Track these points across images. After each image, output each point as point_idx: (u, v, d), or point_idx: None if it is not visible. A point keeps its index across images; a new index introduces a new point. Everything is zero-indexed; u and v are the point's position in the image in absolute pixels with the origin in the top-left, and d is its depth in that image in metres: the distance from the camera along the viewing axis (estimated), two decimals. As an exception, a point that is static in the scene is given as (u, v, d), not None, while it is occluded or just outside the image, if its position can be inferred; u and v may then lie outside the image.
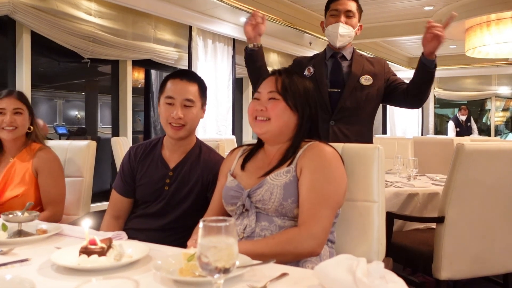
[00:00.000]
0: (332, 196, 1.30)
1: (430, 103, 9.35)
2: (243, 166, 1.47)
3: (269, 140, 1.44)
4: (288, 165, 1.36)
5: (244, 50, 2.27)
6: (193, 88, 1.70)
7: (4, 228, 1.37)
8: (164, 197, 1.70)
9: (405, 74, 8.85)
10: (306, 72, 2.38)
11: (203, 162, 1.74)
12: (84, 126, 12.03)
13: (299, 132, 1.42)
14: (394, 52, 8.11)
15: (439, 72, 8.92)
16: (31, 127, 2.08)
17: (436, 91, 9.39)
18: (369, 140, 2.44)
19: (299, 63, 2.48)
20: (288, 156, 1.38)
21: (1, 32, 3.63)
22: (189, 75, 1.73)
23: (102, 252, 1.09)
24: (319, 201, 1.28)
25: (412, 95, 2.31)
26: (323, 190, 1.29)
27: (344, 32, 2.34)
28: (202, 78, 1.78)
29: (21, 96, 2.06)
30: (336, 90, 2.35)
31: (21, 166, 2.02)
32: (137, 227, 1.71)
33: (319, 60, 2.45)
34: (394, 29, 6.38)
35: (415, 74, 2.25)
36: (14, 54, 3.58)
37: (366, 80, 2.34)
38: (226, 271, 0.81)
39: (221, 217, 0.86)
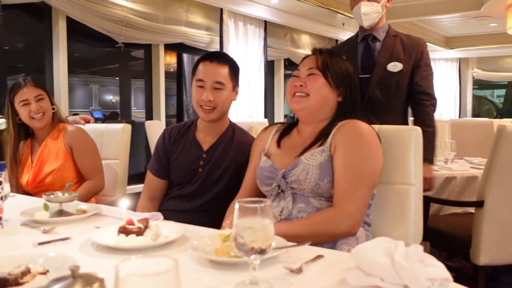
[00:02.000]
0: (368, 174, 1.27)
1: (468, 84, 9.01)
2: (279, 144, 1.45)
3: (306, 117, 1.41)
4: (322, 143, 1.33)
5: None
6: (224, 70, 1.68)
7: (46, 208, 1.42)
8: (198, 179, 1.72)
9: (443, 54, 8.57)
10: None
11: (236, 144, 1.74)
12: (116, 111, 12.29)
13: (339, 112, 1.39)
14: (430, 32, 7.82)
15: (478, 52, 8.58)
16: (54, 107, 2.15)
17: (474, 72, 9.03)
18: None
19: (336, 50, 2.41)
20: (323, 134, 1.36)
21: (38, 19, 3.71)
22: (219, 57, 1.71)
23: (139, 232, 1.11)
24: (354, 179, 1.25)
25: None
26: (359, 168, 1.26)
27: (367, 10, 2.22)
28: (233, 59, 1.76)
29: (36, 82, 2.11)
30: (366, 76, 2.25)
31: (53, 144, 2.11)
32: (172, 208, 1.73)
33: (351, 45, 2.36)
34: (430, 7, 6.13)
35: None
36: (51, 40, 3.67)
37: (394, 66, 2.22)
38: (262, 252, 0.81)
39: (256, 198, 0.86)
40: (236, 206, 0.83)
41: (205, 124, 1.75)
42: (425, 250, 0.88)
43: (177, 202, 1.75)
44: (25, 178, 2.08)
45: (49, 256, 0.96)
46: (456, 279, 0.85)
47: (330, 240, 1.25)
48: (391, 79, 2.21)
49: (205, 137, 1.76)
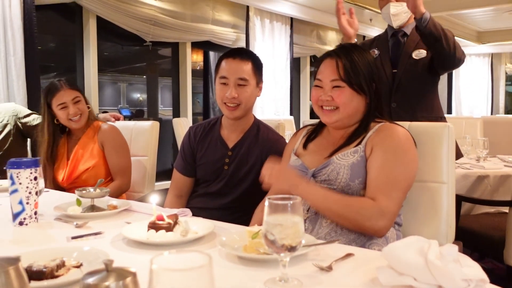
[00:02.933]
0: (402, 179, 1.25)
1: (501, 80, 8.71)
2: (305, 146, 1.44)
3: (339, 127, 1.39)
4: (357, 145, 1.32)
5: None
6: (247, 67, 1.67)
7: (79, 203, 1.45)
8: (224, 176, 1.72)
9: (474, 49, 8.32)
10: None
11: (262, 141, 1.73)
12: (141, 108, 12.45)
13: (369, 112, 1.36)
14: (461, 27, 7.61)
15: (510, 47, 8.30)
16: (89, 106, 2.20)
17: (508, 67, 8.74)
18: (439, 113, 2.33)
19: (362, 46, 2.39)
20: (356, 136, 1.34)
21: (69, 18, 3.80)
22: (242, 53, 1.69)
23: (169, 228, 1.13)
24: (389, 183, 1.23)
25: (435, 58, 2.17)
26: (394, 172, 1.24)
27: (396, 11, 2.23)
28: (256, 54, 1.74)
29: (71, 84, 2.16)
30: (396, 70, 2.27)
31: (88, 143, 2.15)
32: (199, 206, 1.74)
33: (382, 40, 2.36)
34: (462, 1, 5.96)
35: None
36: (82, 40, 3.75)
37: (418, 54, 2.23)
38: (292, 249, 0.81)
39: (286, 195, 0.86)
40: (266, 203, 0.83)
41: (229, 121, 1.74)
42: (458, 250, 0.85)
43: (204, 199, 1.75)
44: (61, 175, 2.14)
45: (83, 250, 0.98)
46: (490, 280, 0.82)
47: (354, 227, 1.23)
48: (416, 66, 2.23)
49: (230, 135, 1.76)
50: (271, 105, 5.23)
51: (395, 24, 2.26)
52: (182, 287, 0.49)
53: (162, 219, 1.15)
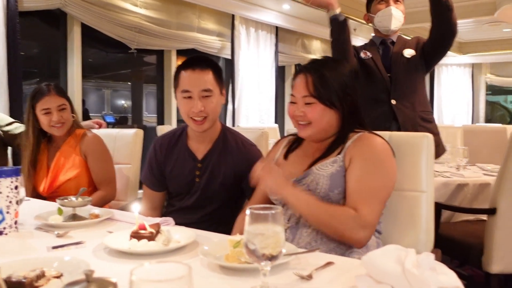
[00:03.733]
0: (381, 189, 1.27)
1: (481, 90, 8.91)
2: (286, 156, 1.46)
3: (315, 140, 1.41)
4: (336, 155, 1.33)
5: (332, 20, 2.26)
6: (208, 77, 1.59)
7: (60, 212, 1.44)
8: (196, 189, 1.67)
9: (456, 59, 8.50)
10: (362, 55, 2.42)
11: (232, 150, 1.67)
12: (125, 115, 12.37)
13: (344, 125, 1.38)
14: (442, 37, 7.77)
15: (491, 57, 8.48)
16: (74, 116, 2.16)
17: (487, 77, 8.94)
18: (428, 106, 2.51)
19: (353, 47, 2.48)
20: (334, 146, 1.36)
21: (54, 25, 3.78)
22: (201, 63, 1.61)
23: (151, 237, 1.13)
24: (368, 193, 1.25)
25: (437, 32, 2.27)
26: (373, 183, 1.26)
27: (397, 15, 2.38)
28: (214, 61, 1.67)
29: (60, 91, 2.11)
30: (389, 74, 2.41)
31: (69, 152, 2.11)
32: (176, 222, 1.71)
33: (372, 47, 2.49)
34: (443, 12, 6.10)
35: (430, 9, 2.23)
36: (66, 46, 3.73)
37: (409, 52, 2.40)
38: (273, 258, 0.82)
39: (268, 205, 0.87)
40: (248, 212, 0.84)
41: (196, 133, 1.67)
42: (436, 258, 0.87)
43: (180, 215, 1.66)
44: (42, 185, 2.09)
45: (63, 260, 0.97)
46: (468, 287, 0.84)
47: (334, 235, 1.24)
48: (408, 64, 2.40)
49: (198, 146, 1.69)
50: (256, 113, 5.26)
51: (393, 26, 2.40)
52: (162, 298, 0.50)
53: (144, 228, 1.15)
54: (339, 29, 2.25)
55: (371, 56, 2.42)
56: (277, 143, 1.57)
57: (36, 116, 2.08)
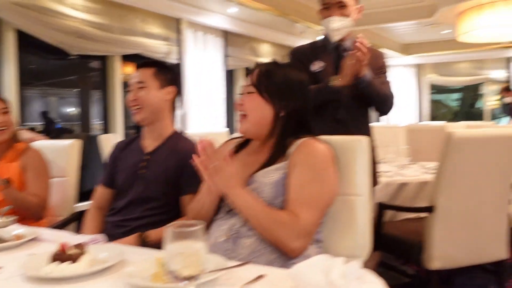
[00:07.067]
0: (319, 197, 1.26)
1: (425, 89, 9.29)
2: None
3: (249, 137, 1.39)
4: (279, 161, 1.31)
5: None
6: (147, 72, 1.73)
7: (-21, 234, 1.33)
8: (139, 182, 1.69)
9: (401, 60, 8.81)
10: (316, 67, 2.18)
11: (178, 153, 1.71)
12: (74, 123, 11.94)
13: (283, 128, 1.34)
14: (387, 39, 8.02)
15: (433, 58, 8.86)
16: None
17: (431, 77, 9.32)
18: (368, 129, 2.29)
19: (302, 54, 2.24)
20: (277, 153, 1.32)
21: (-15, 31, 3.56)
22: (148, 64, 1.76)
23: (74, 258, 1.06)
24: (304, 201, 1.23)
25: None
26: (309, 190, 1.24)
27: (338, 26, 2.14)
28: (164, 63, 1.83)
29: (1, 95, 2.04)
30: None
31: (8, 167, 1.99)
32: (121, 218, 1.69)
33: (324, 52, 2.23)
34: (385, 15, 6.29)
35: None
36: (0, 53, 3.52)
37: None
38: (193, 278, 0.79)
39: (189, 221, 0.83)
40: (167, 231, 0.80)
41: (146, 129, 1.78)
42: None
43: (123, 215, 1.69)
44: None
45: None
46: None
47: (274, 241, 1.22)
48: (357, 87, 2.15)
49: (148, 142, 1.78)
50: (206, 117, 5.21)
51: (335, 39, 2.17)
52: None
53: (68, 249, 1.08)
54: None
55: (324, 67, 2.18)
56: (225, 143, 1.52)
57: None
